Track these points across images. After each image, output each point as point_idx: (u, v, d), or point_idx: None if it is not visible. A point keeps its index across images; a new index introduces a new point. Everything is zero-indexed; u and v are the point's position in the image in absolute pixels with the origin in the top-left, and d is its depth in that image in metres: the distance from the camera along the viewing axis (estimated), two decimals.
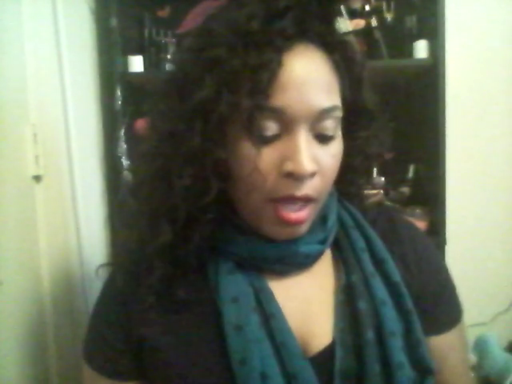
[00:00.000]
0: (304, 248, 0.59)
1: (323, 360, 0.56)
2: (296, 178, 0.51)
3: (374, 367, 0.54)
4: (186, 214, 0.55)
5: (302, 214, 0.54)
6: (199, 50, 0.54)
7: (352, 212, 0.67)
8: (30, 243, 0.92)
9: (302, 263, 0.61)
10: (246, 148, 0.52)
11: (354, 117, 0.60)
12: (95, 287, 1.14)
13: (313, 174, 0.53)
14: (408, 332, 0.58)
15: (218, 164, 0.53)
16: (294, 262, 0.60)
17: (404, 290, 0.59)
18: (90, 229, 1.16)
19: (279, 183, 0.52)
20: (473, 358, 1.38)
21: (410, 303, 0.59)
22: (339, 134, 0.57)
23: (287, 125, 0.52)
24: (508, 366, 1.32)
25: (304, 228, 0.57)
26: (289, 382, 0.53)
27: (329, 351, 0.56)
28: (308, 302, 0.60)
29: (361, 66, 0.60)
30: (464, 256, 1.46)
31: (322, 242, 0.61)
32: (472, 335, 1.44)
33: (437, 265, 0.67)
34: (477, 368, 1.36)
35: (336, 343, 0.56)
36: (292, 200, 0.54)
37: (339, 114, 0.55)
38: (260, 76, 0.49)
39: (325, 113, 0.53)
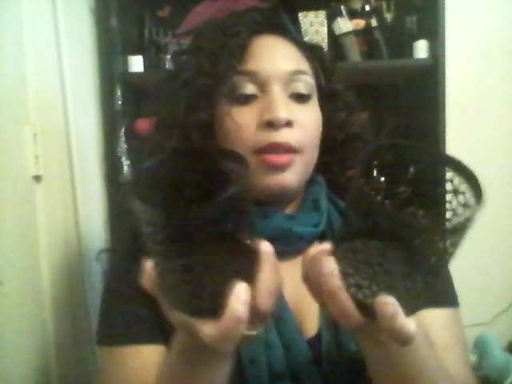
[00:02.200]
0: (298, 228, 0.63)
1: (313, 343, 0.61)
2: (273, 124, 0.58)
3: (351, 347, 0.60)
4: None
5: (284, 158, 0.60)
6: (190, 48, 0.68)
7: (340, 206, 0.70)
8: (29, 243, 0.92)
9: (297, 246, 0.64)
10: (230, 110, 0.61)
11: (330, 101, 0.69)
12: (95, 287, 1.15)
13: (289, 123, 0.59)
14: None
15: (202, 128, 0.62)
16: (288, 242, 0.64)
17: None
18: (90, 228, 1.16)
19: (260, 133, 0.59)
20: (473, 358, 1.38)
21: None
22: (315, 101, 0.65)
23: (262, 86, 0.61)
24: (508, 366, 1.32)
25: (291, 177, 0.61)
26: (287, 354, 0.59)
27: (317, 336, 0.62)
28: (300, 288, 0.64)
29: (332, 62, 0.71)
30: (464, 256, 1.46)
31: (316, 226, 0.65)
32: (472, 335, 1.44)
33: None
34: (477, 368, 1.36)
35: (322, 330, 0.62)
36: (275, 147, 0.59)
37: (309, 79, 0.64)
38: (232, 44, 0.61)
39: (293, 75, 0.62)
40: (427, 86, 1.36)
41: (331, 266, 0.40)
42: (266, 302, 0.39)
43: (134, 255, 0.65)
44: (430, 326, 0.61)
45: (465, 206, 0.38)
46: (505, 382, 1.29)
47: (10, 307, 0.82)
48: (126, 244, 0.68)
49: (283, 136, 0.59)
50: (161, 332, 0.62)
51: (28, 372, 0.88)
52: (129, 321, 0.63)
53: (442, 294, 0.66)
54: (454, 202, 0.39)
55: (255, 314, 0.39)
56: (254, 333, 0.40)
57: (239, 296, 0.37)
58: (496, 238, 1.55)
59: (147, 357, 0.62)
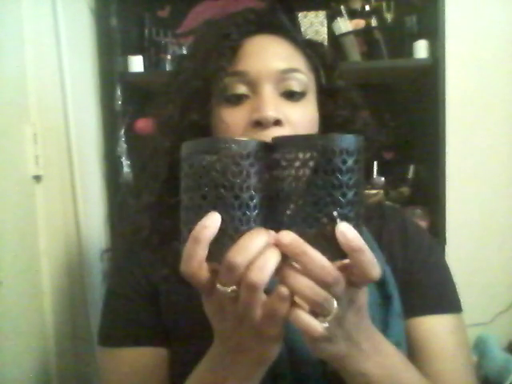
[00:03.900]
0: None
1: None
2: (261, 124, 0.58)
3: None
4: (168, 173, 0.62)
5: None
6: (188, 51, 0.69)
7: None
8: (29, 243, 0.92)
9: None
10: (221, 110, 0.62)
11: (331, 100, 0.69)
12: (95, 287, 1.15)
13: (278, 122, 0.58)
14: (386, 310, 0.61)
15: (197, 130, 0.62)
16: None
17: (387, 275, 0.63)
18: (89, 228, 1.16)
19: (248, 133, 0.59)
20: (473, 358, 1.38)
21: (391, 288, 0.62)
22: (310, 98, 0.64)
23: (253, 86, 0.61)
24: (508, 366, 1.32)
25: None
26: (290, 355, 0.59)
27: None
28: None
29: (333, 59, 0.70)
30: (464, 256, 1.46)
31: None
32: (472, 335, 1.44)
33: (423, 246, 0.69)
34: (477, 368, 1.36)
35: None
36: None
37: (303, 77, 0.63)
38: (222, 46, 0.62)
39: (284, 73, 0.61)
40: (427, 85, 1.36)
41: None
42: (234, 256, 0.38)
43: (135, 256, 0.65)
44: (434, 333, 0.61)
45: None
46: (505, 382, 1.29)
47: (10, 307, 0.82)
48: (126, 244, 0.68)
49: (272, 135, 0.56)
50: (161, 334, 0.62)
51: (28, 372, 0.88)
52: (129, 323, 0.63)
53: (445, 300, 0.66)
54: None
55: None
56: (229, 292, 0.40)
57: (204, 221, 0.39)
58: (496, 237, 1.55)
59: (147, 359, 0.62)
